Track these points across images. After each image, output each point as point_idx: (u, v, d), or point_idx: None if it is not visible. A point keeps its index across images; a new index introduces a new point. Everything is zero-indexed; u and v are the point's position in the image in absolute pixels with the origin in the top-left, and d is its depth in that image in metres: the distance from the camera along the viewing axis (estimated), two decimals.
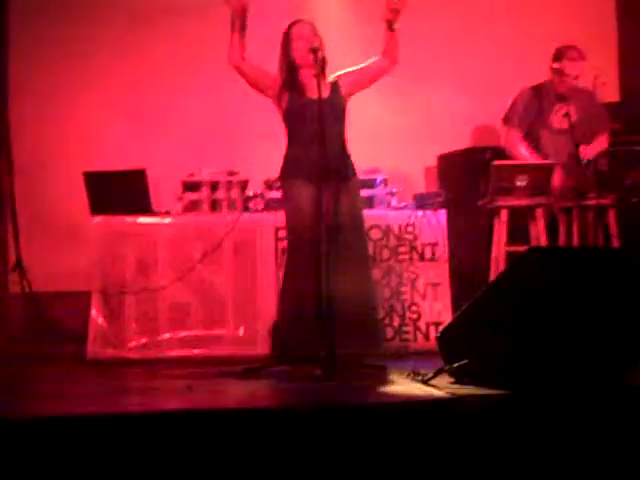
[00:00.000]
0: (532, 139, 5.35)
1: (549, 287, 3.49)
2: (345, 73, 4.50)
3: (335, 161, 4.30)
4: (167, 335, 4.93)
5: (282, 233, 4.79)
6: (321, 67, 4.34)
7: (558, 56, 5.28)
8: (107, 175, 5.20)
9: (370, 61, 4.47)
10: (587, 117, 5.28)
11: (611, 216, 5.04)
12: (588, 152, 5.07)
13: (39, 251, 5.93)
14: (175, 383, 4.02)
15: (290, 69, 4.42)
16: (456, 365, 3.63)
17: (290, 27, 4.44)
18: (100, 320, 4.91)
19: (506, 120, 5.44)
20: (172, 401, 3.66)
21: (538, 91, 5.39)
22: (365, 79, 4.51)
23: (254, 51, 4.42)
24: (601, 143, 5.37)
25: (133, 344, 4.91)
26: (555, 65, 5.27)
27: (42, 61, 6.27)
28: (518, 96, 5.43)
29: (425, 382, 3.69)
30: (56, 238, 5.97)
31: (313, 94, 4.28)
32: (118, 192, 5.12)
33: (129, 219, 5.06)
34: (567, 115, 5.07)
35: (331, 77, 4.46)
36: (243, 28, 4.35)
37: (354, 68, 4.50)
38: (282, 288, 4.42)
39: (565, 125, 5.20)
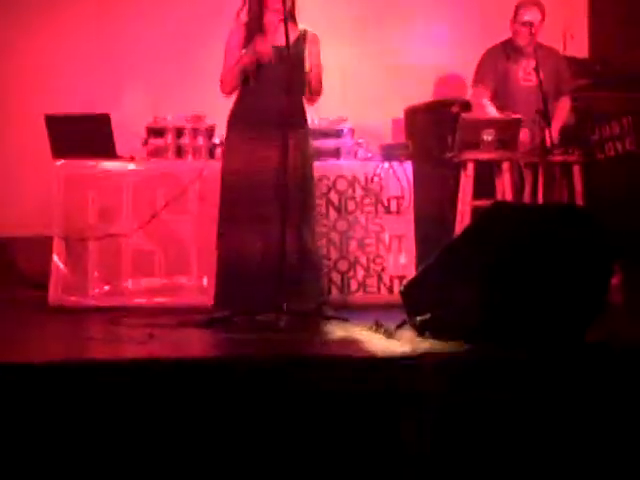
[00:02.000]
0: (500, 97, 5.32)
1: (513, 242, 3.51)
2: (313, 37, 4.39)
3: (290, 110, 4.18)
4: (130, 283, 4.90)
5: None
6: (289, 12, 4.26)
7: (519, 11, 5.27)
8: (70, 118, 5.09)
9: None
10: (552, 75, 5.25)
11: (576, 172, 5.06)
12: (554, 122, 5.07)
13: None
14: (136, 331, 4.00)
15: (257, 11, 4.31)
16: (419, 319, 3.65)
17: None
18: (62, 266, 4.86)
19: (474, 81, 5.45)
20: (133, 349, 3.64)
21: (503, 48, 5.38)
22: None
23: None
24: (564, 109, 5.37)
25: (96, 291, 4.87)
26: (514, 19, 5.28)
27: None
28: (483, 55, 5.42)
29: (388, 335, 3.70)
30: (15, 181, 5.87)
31: (276, 40, 4.21)
32: (81, 136, 5.03)
33: (92, 163, 4.98)
34: (536, 70, 5.05)
35: (301, 27, 4.37)
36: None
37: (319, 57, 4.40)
38: (218, 241, 4.37)
39: (531, 81, 5.21)
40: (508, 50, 5.36)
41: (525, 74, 5.30)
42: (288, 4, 4.21)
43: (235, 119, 4.38)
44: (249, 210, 4.23)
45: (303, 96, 4.39)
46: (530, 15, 5.20)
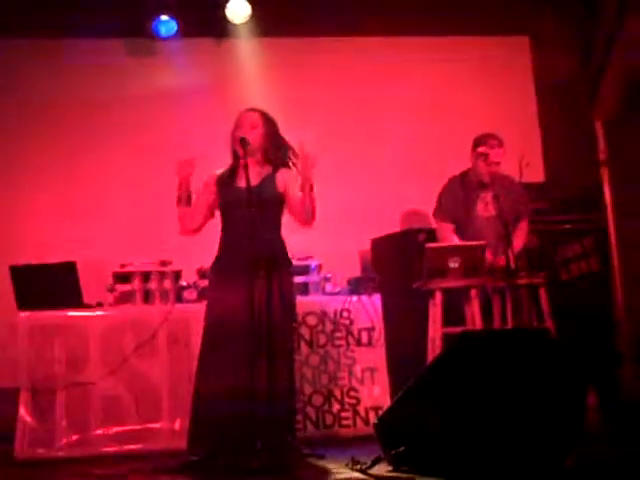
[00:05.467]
0: (462, 227, 5.40)
1: (483, 371, 3.49)
2: (287, 175, 4.41)
3: (265, 251, 4.24)
4: (99, 431, 4.78)
5: None
6: (264, 156, 4.38)
7: (478, 144, 5.39)
8: (35, 268, 5.09)
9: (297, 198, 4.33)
10: (510, 202, 5.32)
11: (543, 294, 5.09)
12: (515, 244, 5.15)
13: None
14: None
15: (233, 156, 4.43)
16: (394, 452, 3.58)
17: (239, 115, 4.44)
18: (28, 418, 4.75)
19: (435, 213, 5.53)
20: None
21: (461, 180, 5.48)
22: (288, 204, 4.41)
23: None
24: (523, 231, 5.44)
25: (64, 442, 4.73)
26: (475, 152, 5.38)
27: None
28: (443, 187, 5.52)
29: (364, 471, 3.62)
30: None
31: (243, 182, 4.27)
32: (47, 286, 5.02)
33: (58, 313, 4.94)
34: (495, 200, 5.14)
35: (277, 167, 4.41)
36: (189, 200, 4.36)
37: (294, 188, 4.34)
38: (196, 381, 4.26)
39: (491, 211, 5.30)
40: (466, 181, 5.46)
41: (484, 205, 5.39)
42: (247, 152, 4.29)
43: (214, 263, 4.41)
44: (224, 351, 4.19)
45: (280, 233, 4.41)
46: (486, 147, 5.33)
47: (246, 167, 4.23)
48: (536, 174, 6.30)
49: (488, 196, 5.34)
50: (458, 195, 5.45)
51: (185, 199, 4.37)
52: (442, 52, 6.66)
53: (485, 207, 5.39)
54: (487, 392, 3.45)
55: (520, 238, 5.36)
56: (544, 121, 6.89)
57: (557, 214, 5.87)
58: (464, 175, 5.50)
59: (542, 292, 5.09)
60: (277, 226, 4.41)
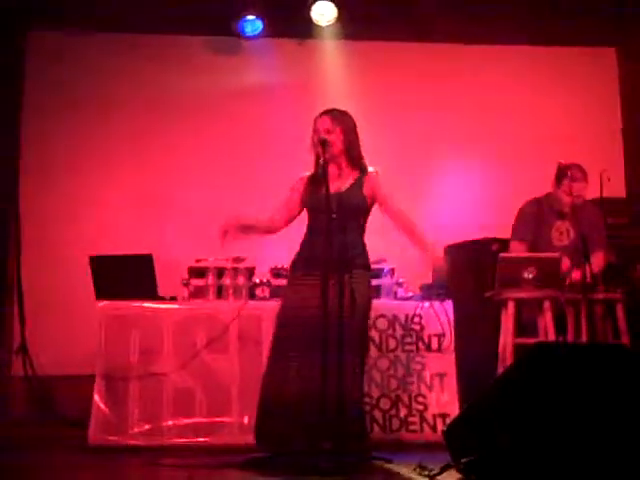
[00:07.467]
0: (536, 250, 5.32)
1: (557, 384, 3.44)
2: (376, 179, 4.42)
3: (343, 253, 4.25)
4: (170, 422, 4.85)
5: None
6: (349, 159, 4.39)
7: (560, 174, 5.25)
8: (113, 259, 5.20)
9: (402, 216, 4.45)
10: (587, 229, 5.17)
11: (619, 310, 5.02)
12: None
13: (44, 334, 5.92)
14: (176, 473, 3.94)
15: (316, 161, 4.44)
16: (464, 461, 3.55)
17: (314, 120, 4.44)
18: (102, 406, 4.84)
19: (512, 235, 5.46)
20: None
21: (539, 205, 5.41)
22: (382, 208, 4.46)
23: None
24: (598, 260, 5.27)
25: (135, 431, 4.82)
26: (557, 183, 5.29)
27: (52, 144, 6.40)
28: (519, 211, 5.45)
29: (431, 478, 3.61)
30: (61, 321, 5.98)
31: (332, 187, 4.26)
32: (124, 277, 5.12)
33: (135, 304, 5.03)
34: (574, 223, 5.10)
35: (364, 170, 4.43)
36: (248, 231, 4.50)
37: (385, 191, 4.43)
38: (264, 375, 4.31)
39: (564, 241, 5.26)
40: (545, 207, 5.39)
41: (558, 234, 5.34)
42: (328, 154, 4.31)
43: (294, 260, 4.46)
44: (296, 350, 4.23)
45: (361, 236, 4.42)
46: (569, 181, 5.17)
47: (325, 172, 4.25)
48: (617, 188, 6.22)
49: (564, 225, 5.30)
50: (533, 218, 5.37)
51: (247, 232, 4.50)
52: (527, 60, 6.62)
53: (559, 236, 5.34)
54: (563, 406, 3.40)
55: (595, 267, 5.19)
56: (628, 133, 6.79)
57: (636, 229, 5.77)
58: (542, 201, 5.42)
59: (619, 308, 5.01)
60: (359, 229, 4.42)
